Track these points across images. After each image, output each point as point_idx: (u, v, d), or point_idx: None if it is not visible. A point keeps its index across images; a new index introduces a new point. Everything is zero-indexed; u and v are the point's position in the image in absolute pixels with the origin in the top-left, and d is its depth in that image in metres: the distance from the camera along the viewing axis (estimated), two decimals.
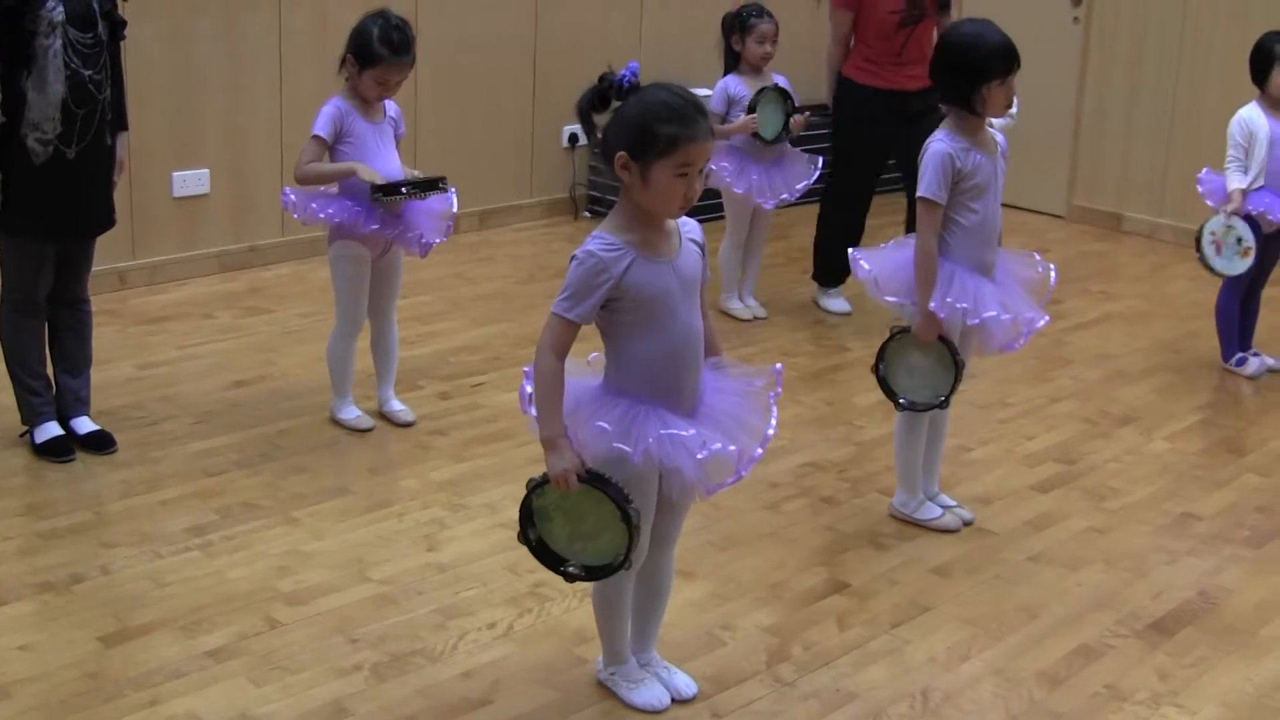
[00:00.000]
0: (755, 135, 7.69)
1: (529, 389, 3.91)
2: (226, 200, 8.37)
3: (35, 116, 5.38)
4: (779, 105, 7.75)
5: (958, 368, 5.21)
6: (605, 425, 3.81)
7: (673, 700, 4.29)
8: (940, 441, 5.62)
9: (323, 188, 6.05)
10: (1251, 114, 7.06)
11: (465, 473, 5.86)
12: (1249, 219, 7.00)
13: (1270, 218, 7.02)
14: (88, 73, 5.44)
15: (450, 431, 6.27)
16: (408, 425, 6.30)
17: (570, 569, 3.93)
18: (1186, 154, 9.93)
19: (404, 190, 5.83)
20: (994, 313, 5.12)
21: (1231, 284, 7.32)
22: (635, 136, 3.72)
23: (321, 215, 5.92)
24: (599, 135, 3.84)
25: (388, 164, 5.99)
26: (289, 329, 7.51)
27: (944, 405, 5.33)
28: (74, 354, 5.90)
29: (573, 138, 9.94)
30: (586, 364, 4.00)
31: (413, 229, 5.97)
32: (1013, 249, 5.44)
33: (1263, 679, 4.60)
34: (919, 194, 5.15)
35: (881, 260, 5.37)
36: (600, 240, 3.79)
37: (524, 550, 3.85)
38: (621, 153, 3.73)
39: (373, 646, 4.54)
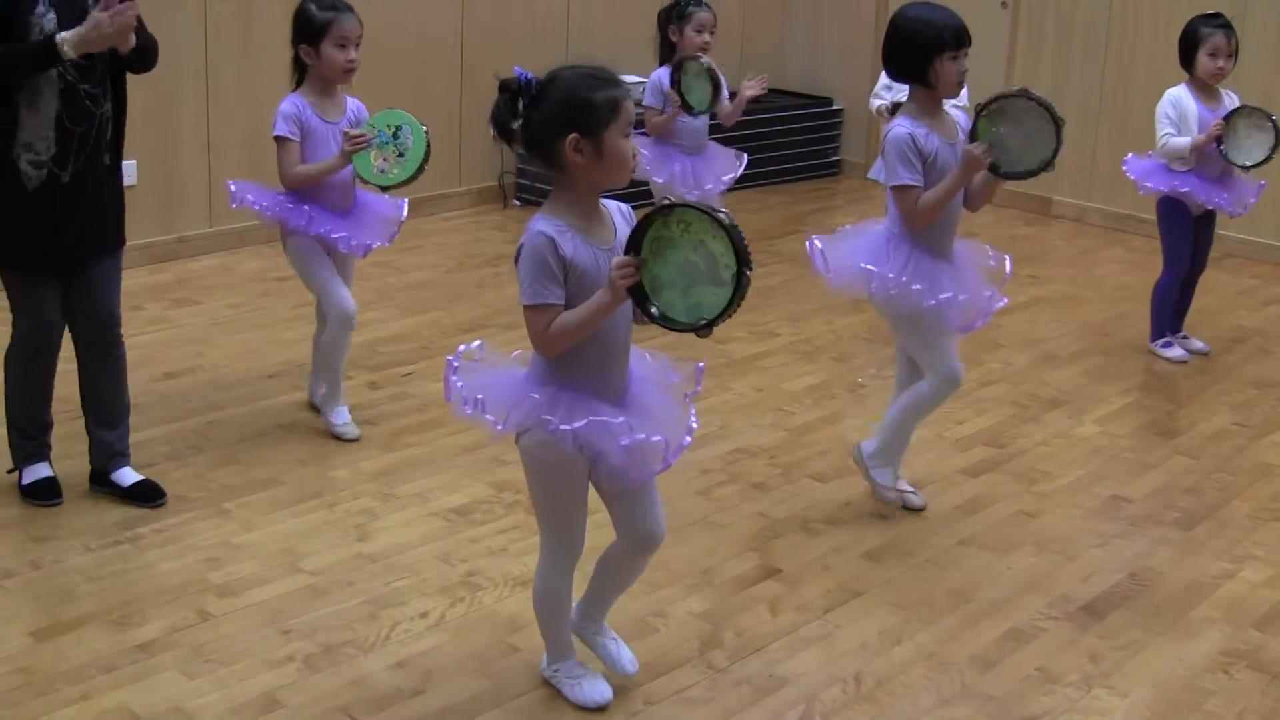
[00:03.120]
0: (683, 107, 7.42)
1: (454, 378, 3.92)
2: (153, 192, 8.30)
3: (28, 136, 4.85)
4: (705, 77, 7.38)
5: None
6: (536, 395, 3.84)
7: (615, 673, 4.30)
8: None
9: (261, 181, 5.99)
10: (1180, 94, 7.09)
11: (395, 462, 5.84)
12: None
13: (1198, 199, 7.07)
14: (84, 86, 4.91)
15: (380, 421, 6.24)
16: None
17: (662, 313, 3.73)
18: (1114, 138, 10.00)
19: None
20: (950, 294, 5.15)
21: (1173, 267, 7.35)
22: (577, 115, 3.71)
23: (256, 207, 5.85)
24: (528, 136, 3.81)
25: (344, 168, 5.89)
26: (217, 320, 7.47)
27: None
28: (110, 402, 5.39)
29: None
30: (511, 359, 4.00)
31: (351, 231, 5.94)
32: (965, 240, 5.41)
33: (1193, 660, 4.63)
34: (891, 185, 5.14)
35: (836, 250, 5.34)
36: (545, 220, 3.78)
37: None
38: (573, 135, 3.71)
39: (305, 638, 4.52)
